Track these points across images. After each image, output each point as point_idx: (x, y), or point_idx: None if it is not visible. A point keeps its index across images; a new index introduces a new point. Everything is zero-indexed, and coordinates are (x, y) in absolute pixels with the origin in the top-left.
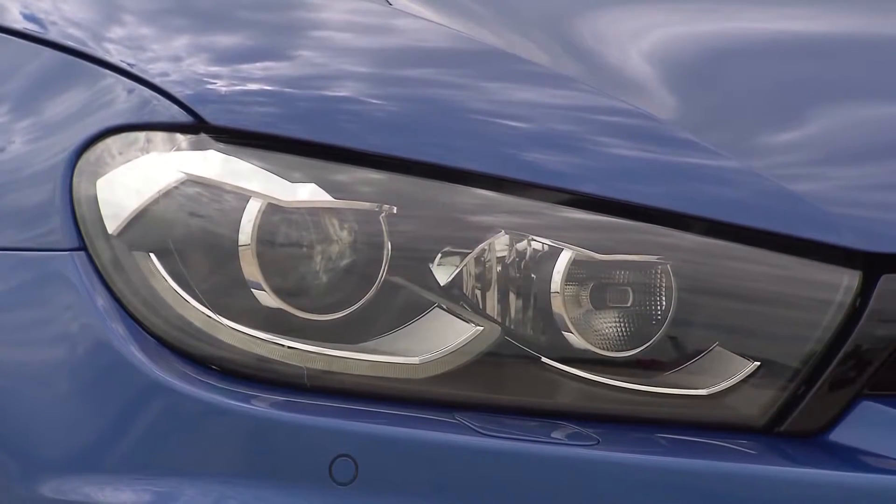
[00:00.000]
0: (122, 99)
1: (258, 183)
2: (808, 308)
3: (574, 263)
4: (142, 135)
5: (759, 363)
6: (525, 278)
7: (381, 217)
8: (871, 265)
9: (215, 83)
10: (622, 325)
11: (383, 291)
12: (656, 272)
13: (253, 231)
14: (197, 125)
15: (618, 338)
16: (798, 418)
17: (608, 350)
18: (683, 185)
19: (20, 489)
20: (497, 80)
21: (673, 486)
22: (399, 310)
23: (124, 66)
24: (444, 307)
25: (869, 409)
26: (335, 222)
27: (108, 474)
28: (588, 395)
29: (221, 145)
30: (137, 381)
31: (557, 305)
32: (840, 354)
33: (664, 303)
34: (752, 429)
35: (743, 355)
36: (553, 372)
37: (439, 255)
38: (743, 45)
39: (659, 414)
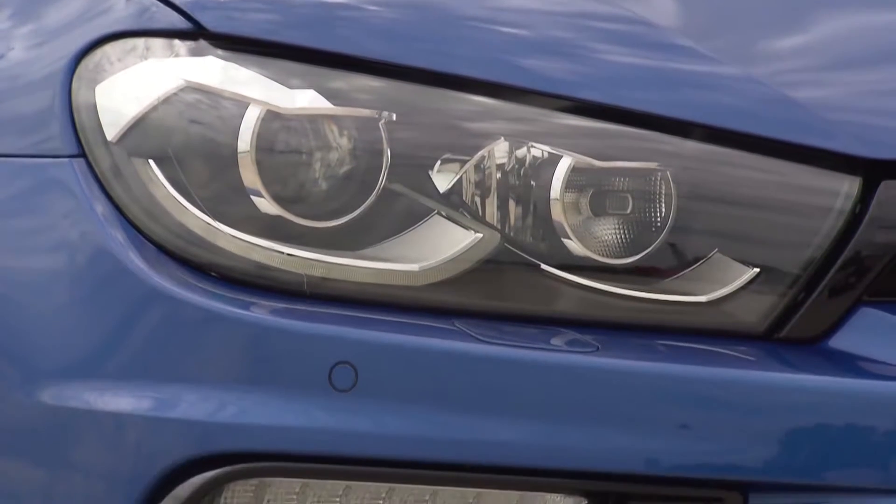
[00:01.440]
0: (121, 6)
1: (257, 90)
2: (807, 214)
3: (574, 170)
4: (141, 41)
5: (758, 269)
6: (525, 185)
7: (381, 124)
8: (871, 171)
9: None
10: (622, 231)
11: (383, 198)
12: (656, 179)
13: (252, 138)
14: (196, 32)
15: (617, 245)
16: (797, 325)
17: (608, 257)
18: (683, 92)
19: (20, 396)
20: None
21: (672, 393)
22: (398, 217)
23: None
24: (444, 214)
25: (868, 315)
26: (334, 129)
27: (107, 380)
28: (588, 302)
29: (221, 52)
30: (137, 287)
31: (557, 212)
32: (839, 261)
33: (664, 210)
34: (752, 335)
35: (742, 262)
36: (552, 279)
37: (439, 161)
38: None
39: (658, 320)
